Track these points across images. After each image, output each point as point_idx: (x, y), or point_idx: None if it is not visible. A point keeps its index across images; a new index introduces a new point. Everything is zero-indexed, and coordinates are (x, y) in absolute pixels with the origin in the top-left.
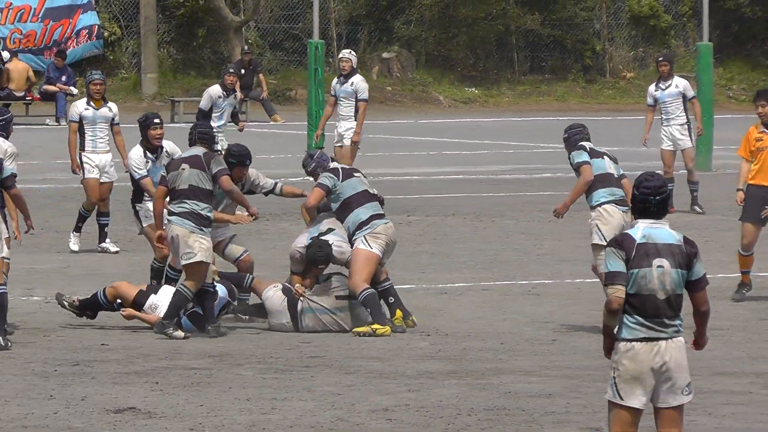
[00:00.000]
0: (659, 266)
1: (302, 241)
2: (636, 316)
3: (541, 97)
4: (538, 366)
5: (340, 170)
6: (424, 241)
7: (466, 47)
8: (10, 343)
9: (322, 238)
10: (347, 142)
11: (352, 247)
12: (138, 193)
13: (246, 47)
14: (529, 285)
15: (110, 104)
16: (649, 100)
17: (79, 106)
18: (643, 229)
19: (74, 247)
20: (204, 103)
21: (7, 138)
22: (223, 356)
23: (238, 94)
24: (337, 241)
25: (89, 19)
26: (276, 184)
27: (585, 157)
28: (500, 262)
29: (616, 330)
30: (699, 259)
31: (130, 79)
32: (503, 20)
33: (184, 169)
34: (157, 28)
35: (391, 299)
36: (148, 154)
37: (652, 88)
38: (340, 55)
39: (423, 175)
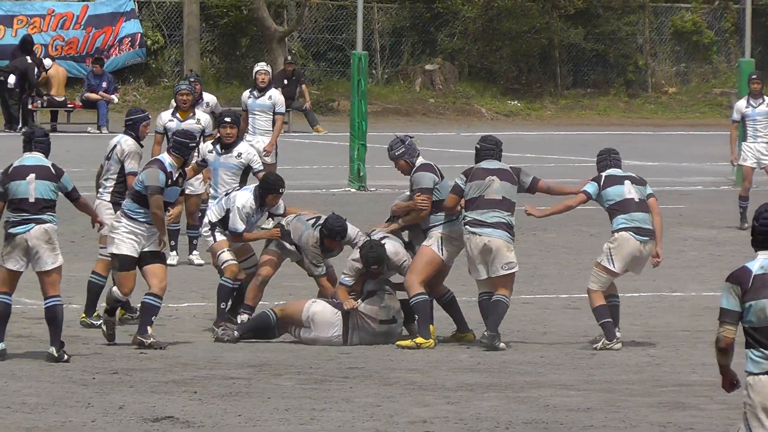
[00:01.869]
0: None
1: (357, 254)
2: (761, 350)
3: (583, 111)
4: (577, 380)
5: (435, 167)
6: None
7: (509, 60)
8: (66, 356)
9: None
10: (270, 160)
11: (418, 245)
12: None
13: (289, 57)
14: (569, 299)
15: (200, 115)
16: (736, 116)
17: (164, 117)
18: (761, 261)
19: (172, 261)
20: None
21: (138, 139)
22: (263, 366)
23: (208, 106)
24: (392, 244)
25: (132, 27)
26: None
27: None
28: (540, 276)
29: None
30: None
31: (173, 88)
32: (546, 34)
33: (493, 180)
34: (201, 37)
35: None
36: (218, 148)
37: (741, 104)
38: (258, 68)
39: None
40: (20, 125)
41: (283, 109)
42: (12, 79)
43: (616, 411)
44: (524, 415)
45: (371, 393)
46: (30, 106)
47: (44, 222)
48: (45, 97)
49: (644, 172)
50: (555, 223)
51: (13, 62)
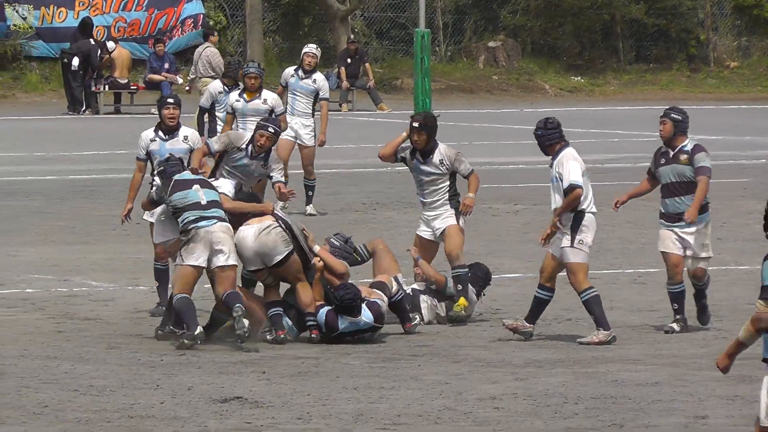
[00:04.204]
0: None
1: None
2: None
3: (646, 86)
4: (644, 354)
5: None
6: (531, 230)
7: (572, 36)
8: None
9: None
10: (309, 142)
11: None
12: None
13: (352, 36)
14: (635, 273)
15: (267, 96)
16: None
17: (232, 97)
18: None
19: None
20: (203, 100)
21: None
22: (331, 346)
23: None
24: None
25: (194, 8)
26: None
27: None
28: (606, 251)
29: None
30: None
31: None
32: (608, 9)
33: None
34: (263, 17)
35: (459, 287)
36: (160, 134)
37: None
38: (307, 50)
39: (529, 164)
40: (84, 108)
41: (327, 95)
42: (75, 62)
43: (683, 385)
44: (592, 391)
45: (440, 371)
46: (93, 89)
47: (224, 220)
48: (108, 79)
49: (708, 146)
50: None
51: (76, 44)
